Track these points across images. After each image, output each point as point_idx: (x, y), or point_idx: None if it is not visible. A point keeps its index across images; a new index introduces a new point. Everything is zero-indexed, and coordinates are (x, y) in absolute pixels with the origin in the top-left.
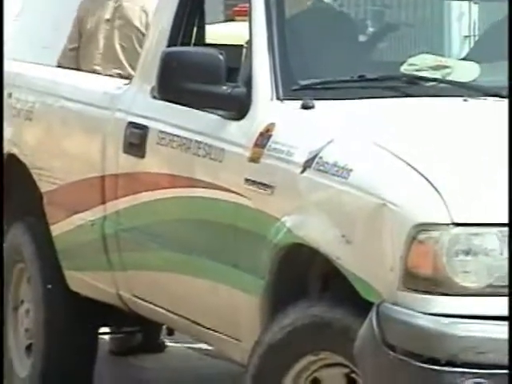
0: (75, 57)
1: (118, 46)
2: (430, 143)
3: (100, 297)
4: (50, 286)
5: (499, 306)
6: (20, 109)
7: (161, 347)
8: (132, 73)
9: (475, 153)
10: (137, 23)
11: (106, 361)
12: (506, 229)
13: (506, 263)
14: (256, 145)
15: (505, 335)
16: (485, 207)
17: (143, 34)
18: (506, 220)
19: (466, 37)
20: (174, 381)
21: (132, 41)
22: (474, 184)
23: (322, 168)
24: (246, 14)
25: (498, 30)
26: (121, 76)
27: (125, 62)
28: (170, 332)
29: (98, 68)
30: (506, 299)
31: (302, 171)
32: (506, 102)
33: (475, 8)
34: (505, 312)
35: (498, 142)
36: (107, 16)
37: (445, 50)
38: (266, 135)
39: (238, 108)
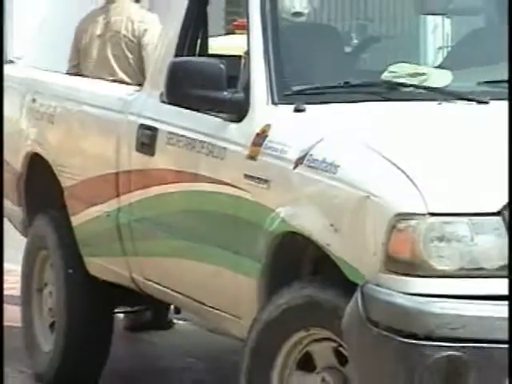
0: (77, 72)
1: (110, 56)
2: (409, 142)
3: (115, 279)
4: (70, 271)
5: (470, 286)
6: (43, 112)
7: (169, 324)
8: (124, 78)
9: (448, 150)
10: (124, 32)
11: (119, 336)
12: (475, 217)
13: (475, 248)
14: (254, 144)
15: (474, 312)
16: (457, 198)
17: (131, 41)
18: (475, 210)
19: (440, 47)
20: (180, 354)
21: (122, 48)
22: (447, 178)
23: (312, 164)
24: (245, 28)
25: (468, 41)
26: (114, 81)
27: (117, 69)
28: (177, 311)
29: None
30: (475, 280)
31: (295, 167)
32: (474, 104)
33: (448, 22)
34: (474, 292)
35: (469, 140)
36: (98, 32)
37: (421, 59)
38: (262, 135)
39: (238, 111)
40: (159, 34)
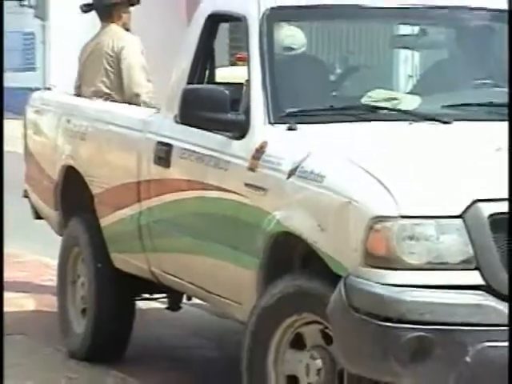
0: (78, 93)
1: (92, 71)
2: (384, 156)
3: (136, 272)
4: (99, 265)
5: (436, 278)
6: (76, 131)
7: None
8: (104, 90)
9: (418, 162)
10: (105, 49)
11: (139, 319)
12: (440, 220)
13: (440, 246)
14: (253, 158)
15: (439, 300)
16: (425, 204)
17: (111, 56)
18: (440, 213)
19: (410, 76)
20: (191, 335)
21: (102, 62)
22: (416, 186)
23: (302, 175)
24: (245, 60)
25: (434, 71)
26: (95, 94)
27: (98, 83)
28: (189, 298)
29: (82, 91)
30: (440, 272)
31: (288, 177)
32: (439, 124)
33: (417, 54)
34: (439, 282)
35: (435, 154)
36: (88, 52)
37: (394, 86)
38: (260, 150)
39: (240, 130)
40: (174, 65)
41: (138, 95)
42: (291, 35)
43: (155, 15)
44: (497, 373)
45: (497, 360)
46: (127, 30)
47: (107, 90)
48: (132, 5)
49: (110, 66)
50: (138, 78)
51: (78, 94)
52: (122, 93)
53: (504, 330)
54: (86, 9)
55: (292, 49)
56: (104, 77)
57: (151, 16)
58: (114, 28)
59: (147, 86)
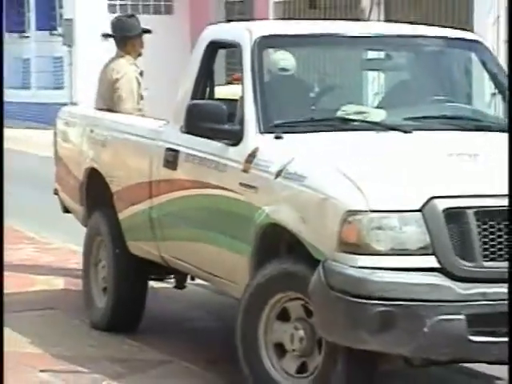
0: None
1: (103, 90)
2: (356, 160)
3: (148, 257)
4: (117, 251)
5: (398, 262)
6: (98, 139)
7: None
8: (110, 106)
9: (384, 164)
10: (108, 77)
11: (151, 296)
12: (402, 213)
13: (402, 235)
14: (246, 161)
15: (400, 280)
16: (390, 200)
17: (109, 83)
18: (402, 208)
19: (376, 93)
20: (194, 308)
21: (107, 86)
22: (383, 185)
23: (287, 176)
24: (240, 80)
25: (396, 89)
26: (105, 108)
27: (106, 100)
28: (192, 278)
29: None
30: (402, 257)
31: (275, 178)
32: (402, 133)
33: (382, 75)
34: (401, 265)
35: (398, 158)
36: (102, 76)
37: (363, 102)
38: (252, 155)
39: (235, 138)
40: (180, 84)
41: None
42: (284, 59)
43: (164, 42)
44: (450, 341)
45: (450, 330)
46: (139, 55)
47: (109, 106)
48: (146, 32)
49: (109, 91)
50: (124, 107)
51: (99, 108)
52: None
53: (456, 305)
54: (106, 37)
55: (285, 70)
56: (108, 97)
57: (160, 42)
58: (120, 60)
59: (130, 110)
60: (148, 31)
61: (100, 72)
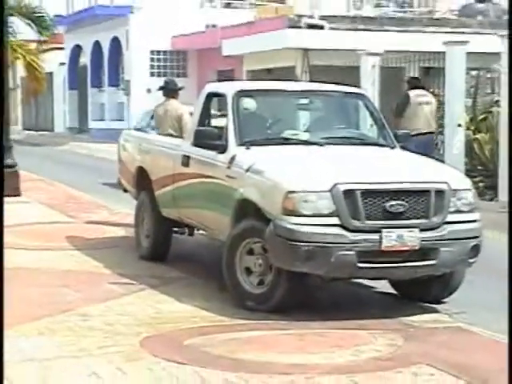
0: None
1: (166, 124)
2: (293, 160)
3: (173, 217)
4: (154, 213)
5: (316, 220)
6: (144, 150)
7: (193, 235)
8: (172, 133)
9: (308, 164)
10: (174, 113)
11: (173, 240)
12: (318, 193)
13: (319, 205)
14: (229, 162)
15: (318, 230)
16: (311, 185)
17: (176, 117)
18: (318, 189)
19: (304, 124)
20: (198, 246)
21: (172, 120)
22: (308, 176)
23: (253, 171)
24: (226, 116)
25: (316, 121)
26: (167, 134)
27: (169, 129)
28: (198, 229)
29: (160, 132)
30: (319, 218)
31: (246, 172)
32: (318, 146)
33: (307, 113)
34: (318, 223)
35: (316, 160)
36: (161, 113)
37: (298, 128)
38: (233, 159)
39: (222, 149)
40: (192, 115)
41: (185, 133)
42: (250, 103)
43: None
44: (346, 267)
45: (346, 260)
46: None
47: (173, 132)
48: (180, 89)
49: (176, 122)
50: (186, 128)
51: (164, 134)
52: (179, 133)
53: (349, 245)
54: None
55: (251, 109)
56: (172, 127)
57: (181, 93)
58: (175, 102)
59: (189, 128)
60: (182, 88)
61: (156, 109)
